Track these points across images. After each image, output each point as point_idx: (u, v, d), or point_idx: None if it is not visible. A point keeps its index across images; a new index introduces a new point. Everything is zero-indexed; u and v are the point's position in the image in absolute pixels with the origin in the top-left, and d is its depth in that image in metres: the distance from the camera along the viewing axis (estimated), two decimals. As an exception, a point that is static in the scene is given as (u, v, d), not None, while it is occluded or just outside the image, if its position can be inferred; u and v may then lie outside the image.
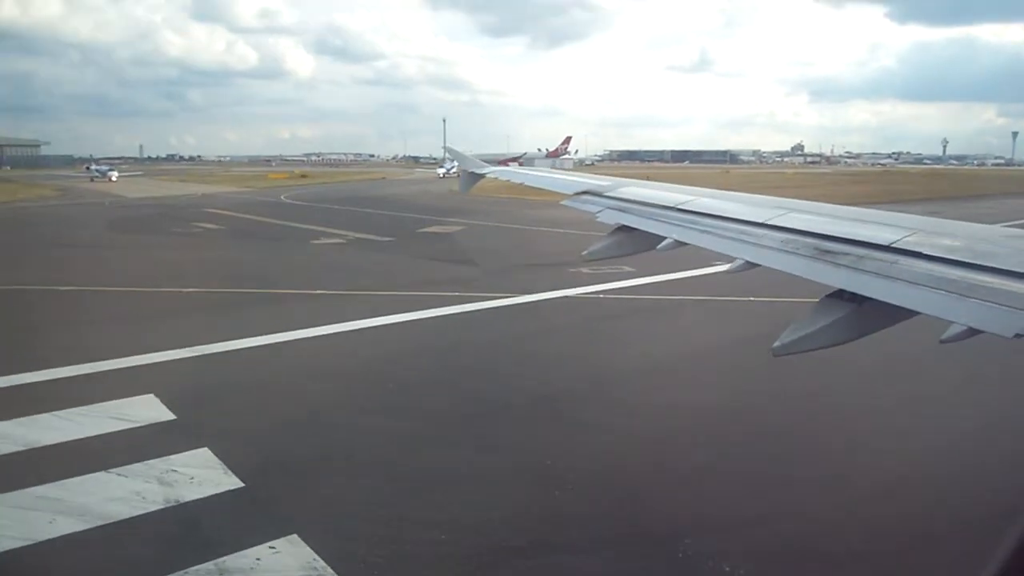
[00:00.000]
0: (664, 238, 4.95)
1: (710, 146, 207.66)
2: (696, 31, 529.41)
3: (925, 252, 3.36)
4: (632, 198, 5.96)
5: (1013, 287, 2.85)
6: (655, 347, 11.71)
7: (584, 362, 10.93)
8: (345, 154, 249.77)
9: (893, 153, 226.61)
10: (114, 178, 77.34)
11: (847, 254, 3.66)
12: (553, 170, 13.25)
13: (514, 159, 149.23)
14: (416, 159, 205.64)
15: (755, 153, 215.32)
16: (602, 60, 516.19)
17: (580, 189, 6.70)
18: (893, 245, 3.54)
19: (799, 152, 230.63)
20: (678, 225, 5.04)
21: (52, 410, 8.20)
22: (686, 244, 4.78)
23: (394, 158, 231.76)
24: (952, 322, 2.88)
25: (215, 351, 10.83)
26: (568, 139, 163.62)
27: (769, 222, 4.42)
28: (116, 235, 28.97)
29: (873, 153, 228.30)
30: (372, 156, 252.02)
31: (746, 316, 13.24)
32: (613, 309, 14.42)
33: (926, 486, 6.67)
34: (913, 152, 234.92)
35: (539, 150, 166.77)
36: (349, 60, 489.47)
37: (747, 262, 4.15)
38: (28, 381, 9.35)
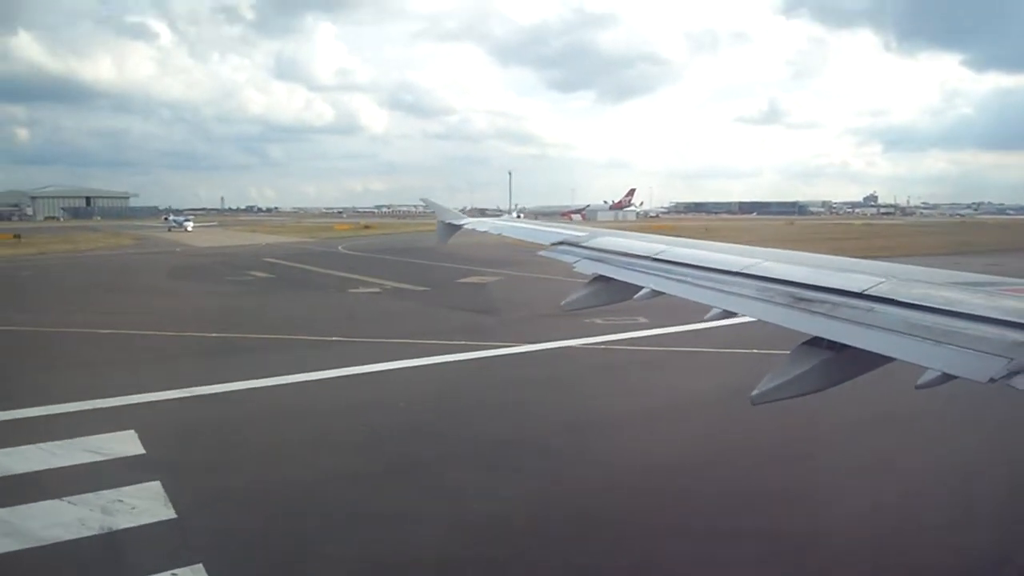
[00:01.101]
0: (641, 287, 5.01)
1: (780, 197, 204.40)
2: (765, 83, 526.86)
3: (899, 299, 3.44)
4: (609, 248, 6.10)
5: (985, 332, 2.91)
6: (634, 399, 11.72)
7: (546, 413, 10.95)
8: (415, 206, 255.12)
9: (973, 204, 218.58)
10: (189, 228, 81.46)
11: (822, 302, 3.70)
12: (532, 221, 13.45)
13: (577, 211, 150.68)
14: (483, 211, 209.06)
15: (825, 204, 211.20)
16: (670, 112, 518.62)
17: (557, 240, 6.86)
18: (867, 292, 3.60)
19: (872, 203, 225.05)
20: (654, 274, 5.10)
21: (38, 442, 8.88)
22: (663, 293, 4.84)
23: (463, 210, 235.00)
24: (927, 368, 2.89)
25: (207, 392, 11.43)
26: (632, 191, 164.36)
27: (745, 271, 4.49)
28: (171, 282, 30.58)
29: (952, 204, 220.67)
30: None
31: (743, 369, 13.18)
32: (607, 360, 14.48)
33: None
34: (995, 202, 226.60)
35: (604, 202, 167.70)
36: (420, 115, 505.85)
37: (724, 311, 4.20)
38: (34, 415, 10.09)
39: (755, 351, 13.08)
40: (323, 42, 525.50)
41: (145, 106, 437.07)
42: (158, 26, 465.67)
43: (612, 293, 5.44)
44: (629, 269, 5.39)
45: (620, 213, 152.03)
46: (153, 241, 63.77)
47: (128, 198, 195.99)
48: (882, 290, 3.58)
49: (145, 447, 8.81)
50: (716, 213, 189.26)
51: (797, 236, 66.92)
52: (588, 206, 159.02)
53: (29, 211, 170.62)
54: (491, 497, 7.62)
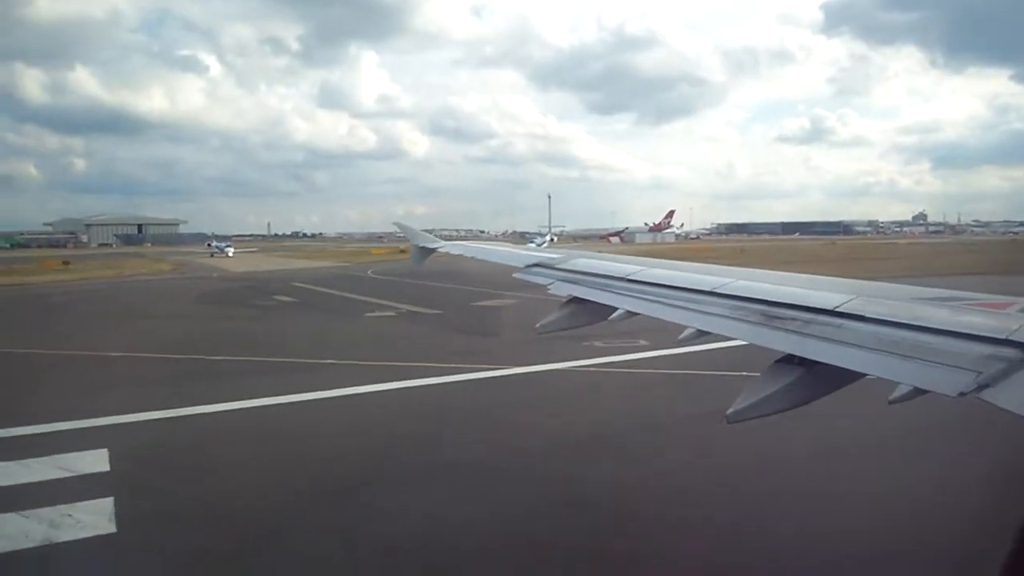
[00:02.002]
0: (615, 308, 5.05)
1: (825, 217, 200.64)
2: (807, 101, 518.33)
3: (869, 315, 3.49)
4: (583, 269, 6.16)
5: (953, 347, 2.99)
6: (606, 420, 11.75)
7: (500, 436, 11.02)
8: (457, 230, 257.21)
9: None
10: (230, 254, 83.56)
11: (794, 319, 3.75)
12: (501, 244, 13.64)
13: (615, 233, 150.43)
14: (524, 234, 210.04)
15: (871, 223, 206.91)
16: (711, 133, 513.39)
17: (531, 262, 6.92)
18: (838, 309, 3.65)
19: (920, 221, 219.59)
20: (628, 295, 5.14)
21: (20, 458, 9.40)
22: (637, 314, 4.88)
23: (503, 233, 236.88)
24: (899, 383, 2.95)
25: (188, 413, 11.90)
26: (671, 213, 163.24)
27: (717, 290, 4.52)
28: (197, 307, 31.55)
29: (1005, 221, 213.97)
30: (483, 232, 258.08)
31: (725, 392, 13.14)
32: (592, 381, 14.54)
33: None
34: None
35: (645, 224, 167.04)
36: (462, 140, 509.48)
37: (697, 330, 4.25)
38: (20, 434, 10.63)
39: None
40: (366, 70, 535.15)
41: (195, 136, 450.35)
42: (207, 58, 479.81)
43: (587, 315, 5.48)
44: (603, 290, 5.42)
45: (659, 235, 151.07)
46: (193, 267, 65.63)
47: (178, 225, 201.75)
48: (852, 307, 3.63)
49: (111, 465, 9.22)
50: (759, 234, 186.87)
51: (831, 256, 65.75)
52: (627, 228, 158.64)
53: (84, 238, 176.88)
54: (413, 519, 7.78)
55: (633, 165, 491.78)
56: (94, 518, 7.51)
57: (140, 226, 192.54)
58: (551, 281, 6.16)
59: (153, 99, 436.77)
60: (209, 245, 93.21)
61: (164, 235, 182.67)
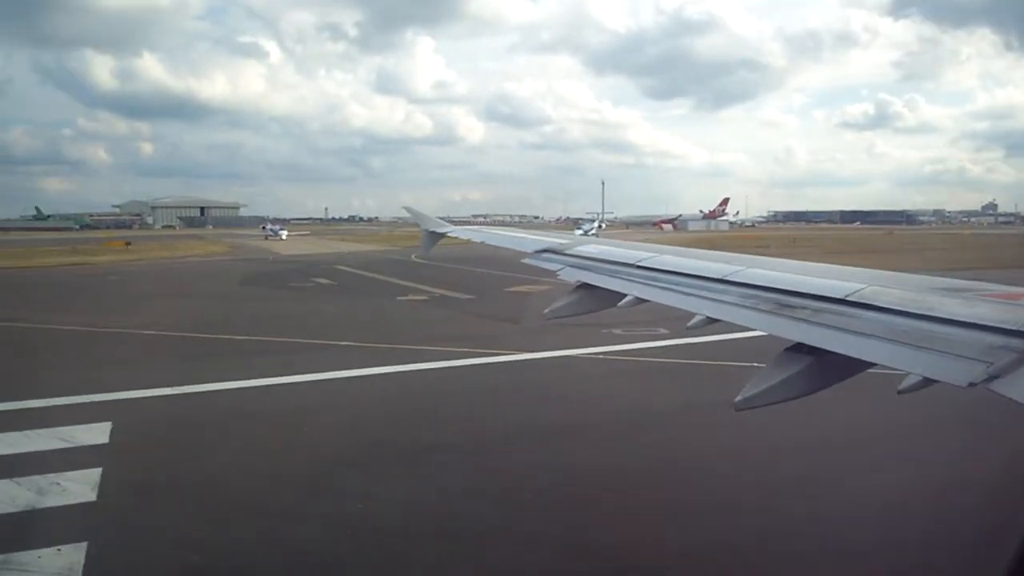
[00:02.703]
0: (625, 295, 5.04)
1: (889, 206, 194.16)
2: (872, 86, 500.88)
3: (879, 304, 3.47)
4: (592, 255, 6.17)
5: (963, 337, 2.96)
6: (597, 408, 11.70)
7: (486, 420, 11.04)
8: (510, 215, 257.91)
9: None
10: (284, 237, 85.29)
11: (804, 307, 3.74)
12: (513, 229, 13.62)
13: (668, 220, 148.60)
14: (577, 221, 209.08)
15: (936, 213, 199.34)
16: (770, 119, 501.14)
17: (541, 247, 6.93)
18: (848, 298, 3.65)
19: (990, 211, 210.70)
20: (638, 282, 5.13)
21: (26, 428, 9.90)
22: (647, 301, 4.88)
23: (556, 219, 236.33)
24: (908, 372, 2.94)
25: (197, 390, 12.31)
26: (725, 200, 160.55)
27: (728, 278, 4.50)
28: (238, 288, 32.40)
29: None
30: (537, 217, 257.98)
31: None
32: (598, 369, 14.48)
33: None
34: None
35: (700, 212, 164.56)
36: (517, 125, 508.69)
37: (707, 317, 4.24)
38: (31, 406, 11.12)
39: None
40: (422, 56, 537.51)
41: (256, 121, 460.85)
42: (268, 45, 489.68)
43: (596, 301, 5.49)
44: (613, 276, 5.42)
45: (712, 223, 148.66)
46: (246, 249, 67.29)
47: (238, 208, 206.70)
48: (863, 296, 3.62)
49: (111, 438, 9.63)
50: (816, 222, 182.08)
51: (884, 246, 63.69)
52: (680, 216, 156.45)
53: (150, 220, 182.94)
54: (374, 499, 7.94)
55: (689, 151, 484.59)
56: (79, 487, 7.87)
57: (202, 209, 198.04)
58: (560, 267, 6.17)
59: (216, 85, 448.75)
60: (264, 228, 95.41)
61: (225, 218, 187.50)
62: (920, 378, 2.87)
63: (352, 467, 8.91)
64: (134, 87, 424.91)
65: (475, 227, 12.33)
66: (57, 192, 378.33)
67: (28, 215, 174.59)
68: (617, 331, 17.75)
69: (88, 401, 11.41)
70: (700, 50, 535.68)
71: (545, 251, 6.74)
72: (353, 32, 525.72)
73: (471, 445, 9.81)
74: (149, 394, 11.98)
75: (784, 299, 3.92)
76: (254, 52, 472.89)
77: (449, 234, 10.33)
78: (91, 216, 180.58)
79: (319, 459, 9.22)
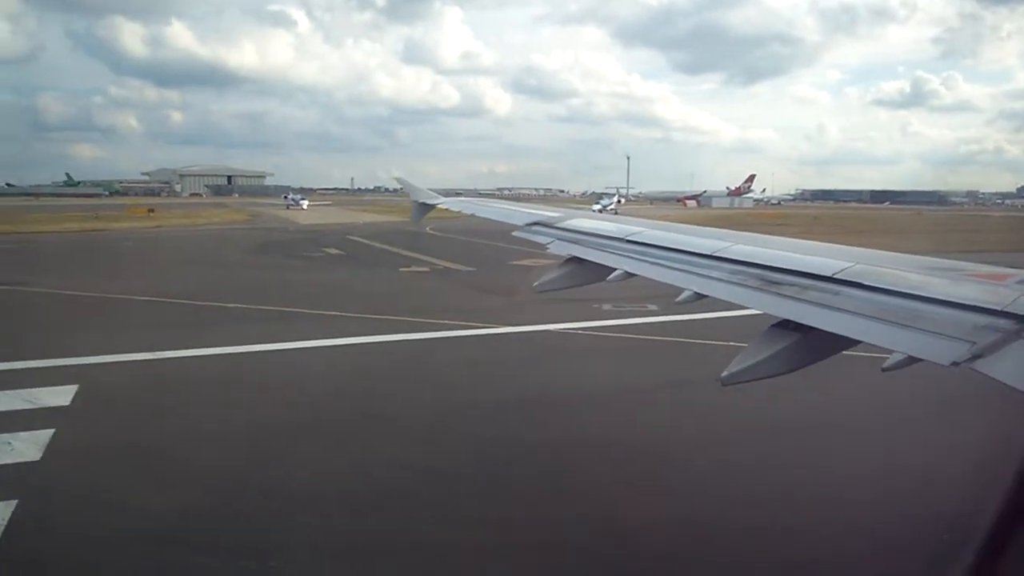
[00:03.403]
0: (614, 269, 5.06)
1: (921, 186, 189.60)
2: (908, 63, 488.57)
3: (865, 283, 3.49)
4: (582, 229, 6.19)
5: (949, 316, 2.99)
6: (562, 383, 11.69)
7: (432, 394, 11.00)
8: (536, 189, 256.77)
9: None
10: (305, 206, 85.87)
11: (791, 284, 3.76)
12: (505, 201, 13.52)
13: (692, 197, 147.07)
14: (599, 195, 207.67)
15: (969, 194, 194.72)
16: (802, 95, 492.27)
17: (531, 220, 6.94)
18: (835, 276, 3.66)
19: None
20: (627, 256, 5.15)
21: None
22: (635, 275, 4.91)
23: (582, 194, 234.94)
24: (893, 351, 2.97)
25: (171, 356, 12.53)
26: (751, 177, 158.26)
27: (716, 253, 4.54)
28: (246, 256, 32.75)
29: None
30: (562, 191, 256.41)
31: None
32: (571, 345, 14.45)
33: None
34: None
35: (727, 188, 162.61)
36: (544, 98, 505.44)
37: (695, 293, 4.26)
38: (10, 368, 11.43)
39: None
40: (449, 26, 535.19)
41: (284, 90, 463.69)
42: (296, 14, 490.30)
43: (585, 274, 5.51)
44: (602, 251, 5.44)
45: (737, 200, 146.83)
46: (265, 218, 67.93)
47: (264, 177, 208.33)
48: (850, 274, 3.63)
49: (73, 401, 9.86)
50: (845, 201, 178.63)
51: (907, 227, 62.51)
52: (704, 192, 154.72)
53: (178, 187, 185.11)
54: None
55: (719, 127, 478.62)
56: (26, 447, 8.09)
57: (229, 177, 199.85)
58: (551, 240, 6.17)
59: (244, 53, 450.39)
60: (285, 197, 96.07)
61: (251, 187, 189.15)
62: (905, 356, 2.89)
63: (282, 435, 9.04)
64: (164, 55, 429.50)
65: (466, 199, 12.25)
66: (88, 159, 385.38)
67: (59, 181, 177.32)
68: (607, 306, 17.71)
69: (59, 365, 11.65)
70: (732, 23, 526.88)
71: (535, 224, 6.74)
72: (381, 2, 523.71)
73: (404, 417, 9.83)
74: (121, 359, 12.23)
75: (772, 276, 3.95)
76: (282, 21, 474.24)
77: (440, 205, 10.27)
78: (120, 183, 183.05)
79: (257, 425, 9.34)
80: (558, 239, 6.08)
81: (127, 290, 20.04)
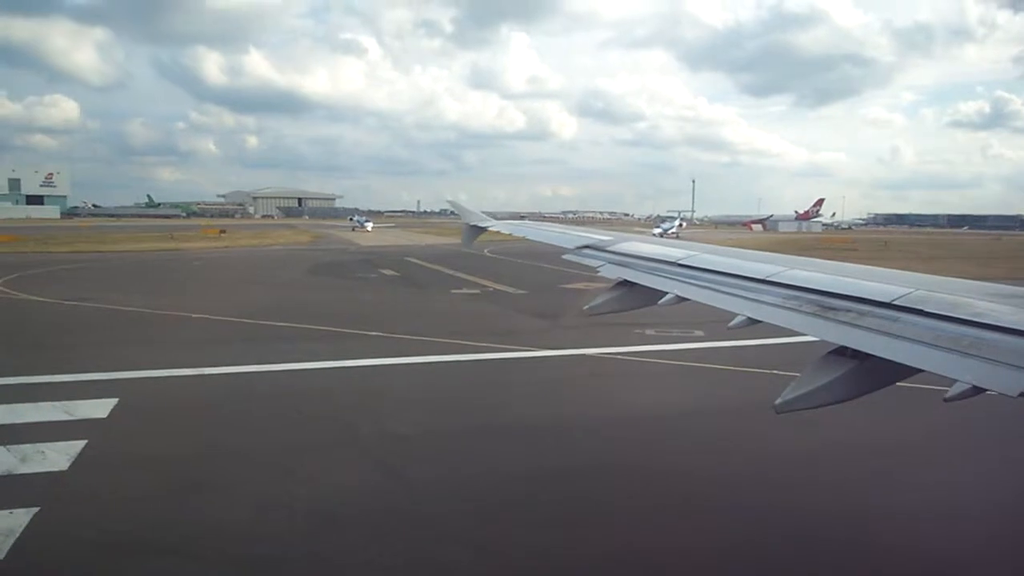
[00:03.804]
0: (665, 293, 5.00)
1: (1005, 210, 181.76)
2: (987, 83, 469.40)
3: (927, 309, 3.38)
4: (633, 252, 6.19)
5: (1016, 345, 2.86)
6: (583, 408, 11.47)
7: (448, 416, 10.93)
8: (601, 212, 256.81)
9: None
10: (369, 228, 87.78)
11: (848, 311, 3.66)
12: (557, 224, 13.49)
13: (758, 221, 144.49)
14: (662, 218, 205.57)
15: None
16: (875, 117, 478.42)
17: (582, 244, 6.97)
18: (894, 302, 3.56)
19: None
20: (679, 280, 5.10)
21: (39, 400, 10.61)
22: (687, 300, 4.85)
23: (647, 217, 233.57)
24: (956, 380, 2.86)
25: (211, 372, 12.88)
26: (820, 201, 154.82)
27: (771, 278, 4.45)
28: (303, 276, 33.58)
29: None
30: (627, 215, 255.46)
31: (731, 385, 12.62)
32: (607, 370, 14.21)
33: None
34: None
35: (795, 212, 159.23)
36: (609, 122, 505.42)
37: (748, 318, 4.17)
38: (45, 381, 11.87)
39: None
40: (516, 52, 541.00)
41: (354, 115, 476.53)
42: (367, 41, 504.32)
43: (636, 298, 5.49)
44: (653, 274, 5.42)
45: (805, 224, 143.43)
46: (329, 239, 69.58)
47: (334, 199, 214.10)
48: (910, 300, 3.53)
49: (110, 414, 10.19)
50: (921, 226, 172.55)
51: (982, 253, 59.68)
52: (771, 216, 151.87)
53: (251, 209, 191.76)
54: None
55: (787, 150, 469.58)
56: (58, 457, 8.38)
57: (300, 199, 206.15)
58: (601, 263, 6.17)
59: (317, 80, 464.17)
60: (351, 220, 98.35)
61: (321, 208, 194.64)
62: (968, 386, 2.77)
63: (306, 452, 9.11)
64: (241, 82, 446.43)
65: (517, 222, 12.31)
66: (169, 181, 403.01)
67: (141, 203, 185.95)
68: (650, 332, 17.47)
69: (103, 378, 12.09)
70: (801, 44, 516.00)
71: (586, 247, 6.73)
72: (449, 28, 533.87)
73: (412, 436, 9.88)
74: (165, 374, 12.63)
75: (828, 301, 3.86)
76: (354, 48, 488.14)
77: (491, 228, 10.31)
78: (198, 205, 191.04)
79: (286, 444, 9.44)
80: (609, 262, 6.06)
81: (186, 307, 20.70)
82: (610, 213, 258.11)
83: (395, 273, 35.60)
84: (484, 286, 29.39)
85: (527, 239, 9.05)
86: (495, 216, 16.09)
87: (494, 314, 22.40)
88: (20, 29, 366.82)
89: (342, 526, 7.02)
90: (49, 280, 28.91)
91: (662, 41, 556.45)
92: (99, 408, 10.37)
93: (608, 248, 6.40)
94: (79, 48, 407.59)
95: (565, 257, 6.94)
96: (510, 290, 28.17)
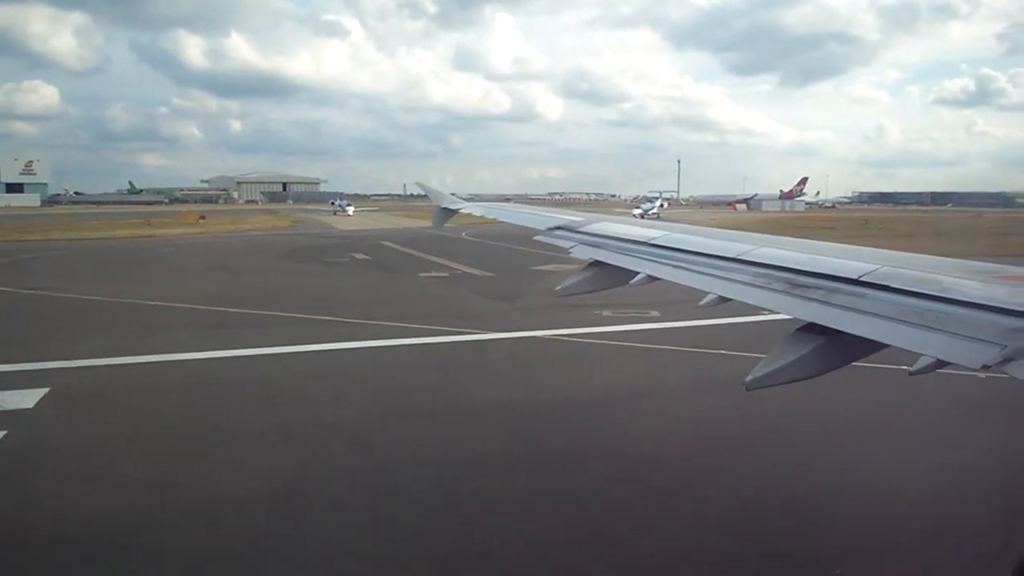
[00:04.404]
0: (637, 273, 5.06)
1: (989, 187, 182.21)
2: (972, 60, 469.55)
3: (894, 285, 3.46)
4: (605, 233, 6.22)
5: (978, 319, 2.94)
6: (517, 389, 11.51)
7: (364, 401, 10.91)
8: (587, 193, 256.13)
9: None
10: (350, 212, 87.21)
11: (818, 287, 3.74)
12: (529, 206, 13.39)
13: (742, 200, 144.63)
14: (647, 199, 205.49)
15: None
16: (861, 95, 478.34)
17: (554, 225, 6.96)
18: (862, 278, 3.63)
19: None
20: (651, 260, 5.16)
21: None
22: (659, 279, 4.91)
23: (634, 198, 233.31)
24: (921, 354, 2.93)
25: (145, 361, 12.78)
26: (803, 180, 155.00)
27: (741, 257, 4.53)
28: (273, 261, 33.40)
29: None
30: (613, 196, 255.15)
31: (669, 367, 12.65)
32: (550, 352, 14.30)
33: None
34: None
35: (781, 191, 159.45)
36: (595, 103, 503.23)
37: (719, 297, 4.22)
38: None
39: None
40: (500, 33, 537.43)
41: (339, 98, 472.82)
42: (350, 23, 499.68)
43: (608, 278, 5.54)
44: (625, 254, 5.46)
45: (788, 203, 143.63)
46: (308, 224, 69.27)
47: (318, 184, 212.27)
48: (877, 276, 3.61)
49: (37, 404, 10.10)
50: (905, 204, 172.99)
51: (961, 230, 59.96)
52: (755, 195, 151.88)
53: (235, 195, 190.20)
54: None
55: (774, 129, 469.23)
56: (-27, 448, 8.32)
57: (284, 184, 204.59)
58: (573, 244, 6.17)
59: (300, 63, 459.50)
60: (333, 204, 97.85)
61: (306, 193, 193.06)
62: (933, 360, 2.84)
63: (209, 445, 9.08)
64: (224, 66, 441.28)
65: (488, 203, 12.20)
66: (153, 167, 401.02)
67: (124, 189, 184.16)
68: (607, 313, 17.46)
69: (40, 368, 11.98)
70: (787, 22, 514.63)
71: (558, 228, 6.72)
72: (432, 9, 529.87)
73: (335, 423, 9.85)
74: (103, 362, 12.52)
75: (797, 279, 3.92)
76: (337, 30, 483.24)
77: (463, 211, 10.26)
78: (181, 191, 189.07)
79: (204, 433, 9.40)
80: (581, 243, 6.06)
81: (142, 295, 20.50)
82: (596, 194, 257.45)
83: (367, 257, 35.46)
84: (453, 269, 29.32)
85: (499, 221, 8.95)
86: (481, 199, 16.05)
87: (457, 297, 22.37)
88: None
89: (234, 513, 7.01)
90: (12, 269, 28.71)
91: (648, 20, 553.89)
92: (27, 398, 10.27)
93: (580, 229, 6.40)
94: (57, 33, 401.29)
95: (537, 238, 6.94)
96: (477, 272, 28.13)
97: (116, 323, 16.83)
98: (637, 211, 78.12)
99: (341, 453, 8.75)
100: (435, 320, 16.68)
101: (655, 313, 17.31)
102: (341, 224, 68.03)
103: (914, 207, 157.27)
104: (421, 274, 28.13)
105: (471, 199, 12.16)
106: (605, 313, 17.41)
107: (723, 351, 12.92)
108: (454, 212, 10.01)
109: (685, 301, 4.29)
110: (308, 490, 7.59)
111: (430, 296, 22.61)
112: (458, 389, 11.62)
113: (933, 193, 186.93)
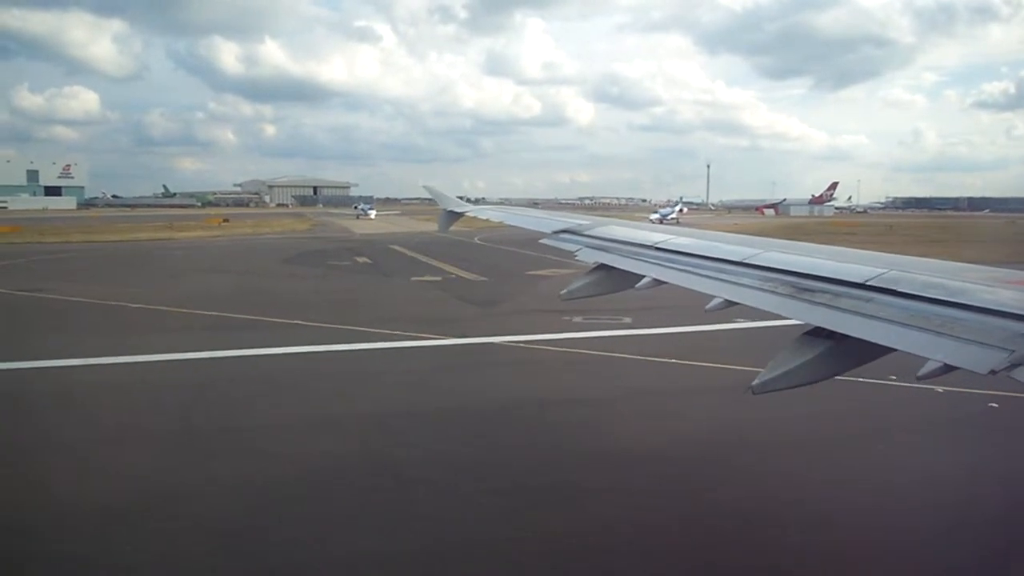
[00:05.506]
0: (642, 276, 5.05)
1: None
2: (1013, 63, 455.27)
3: (900, 289, 3.44)
4: (611, 236, 6.22)
5: (986, 323, 2.93)
6: (477, 397, 11.51)
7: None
8: (618, 198, 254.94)
9: None
10: (372, 216, 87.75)
11: (824, 291, 3.72)
12: (538, 210, 13.44)
13: (770, 205, 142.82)
14: (672, 203, 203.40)
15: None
16: (896, 99, 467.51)
17: (560, 228, 7.00)
18: (868, 283, 3.62)
19: None
20: (656, 264, 5.14)
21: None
22: (665, 283, 4.89)
23: (666, 203, 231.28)
24: (928, 359, 2.92)
25: (105, 362, 13.09)
26: (834, 185, 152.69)
27: (747, 260, 4.52)
28: (276, 265, 33.77)
29: None
30: (644, 201, 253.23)
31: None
32: (509, 358, 14.23)
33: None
34: None
35: (812, 196, 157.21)
36: (626, 107, 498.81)
37: (725, 300, 4.23)
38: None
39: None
40: (531, 37, 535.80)
41: (371, 103, 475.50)
42: (382, 28, 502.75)
43: (613, 282, 5.52)
44: (631, 258, 5.45)
45: (818, 208, 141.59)
46: (327, 227, 69.98)
47: (348, 187, 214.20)
48: (884, 280, 3.59)
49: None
50: (941, 209, 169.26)
51: (994, 237, 58.53)
52: (784, 200, 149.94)
53: (267, 199, 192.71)
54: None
55: (806, 133, 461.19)
56: None
57: (315, 188, 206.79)
58: (578, 247, 6.18)
59: (333, 68, 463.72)
60: (356, 207, 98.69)
61: (336, 197, 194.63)
62: (941, 364, 2.84)
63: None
64: (258, 72, 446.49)
65: (494, 207, 12.34)
66: (188, 171, 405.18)
67: (159, 193, 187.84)
68: (579, 319, 17.38)
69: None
70: (821, 26, 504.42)
71: (564, 231, 6.73)
72: (463, 14, 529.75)
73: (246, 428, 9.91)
74: (56, 364, 12.85)
75: (804, 283, 3.91)
76: (368, 36, 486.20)
77: (468, 214, 10.32)
78: (214, 194, 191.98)
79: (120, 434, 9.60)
80: (586, 247, 6.05)
81: (129, 297, 20.95)
82: (627, 199, 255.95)
83: (369, 261, 35.74)
84: (448, 273, 29.42)
85: (510, 225, 8.90)
86: (511, 203, 16.11)
87: (437, 301, 22.44)
88: (38, 22, 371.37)
89: (116, 521, 7.13)
90: (16, 271, 29.45)
91: (679, 24, 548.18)
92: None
93: (586, 232, 6.39)
94: (97, 40, 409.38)
95: (542, 242, 6.93)
96: (470, 277, 28.21)
97: (89, 325, 17.27)
98: (655, 216, 77.39)
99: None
100: (399, 325, 16.75)
101: (628, 320, 17.15)
102: (360, 228, 68.58)
103: (950, 212, 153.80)
104: (413, 278, 28.25)
105: (501, 202, 12.14)
106: (576, 319, 17.32)
107: (673, 360, 12.67)
108: (459, 215, 10.05)
109: (675, 307, 4.20)
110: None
111: (413, 300, 22.70)
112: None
113: (970, 198, 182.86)
